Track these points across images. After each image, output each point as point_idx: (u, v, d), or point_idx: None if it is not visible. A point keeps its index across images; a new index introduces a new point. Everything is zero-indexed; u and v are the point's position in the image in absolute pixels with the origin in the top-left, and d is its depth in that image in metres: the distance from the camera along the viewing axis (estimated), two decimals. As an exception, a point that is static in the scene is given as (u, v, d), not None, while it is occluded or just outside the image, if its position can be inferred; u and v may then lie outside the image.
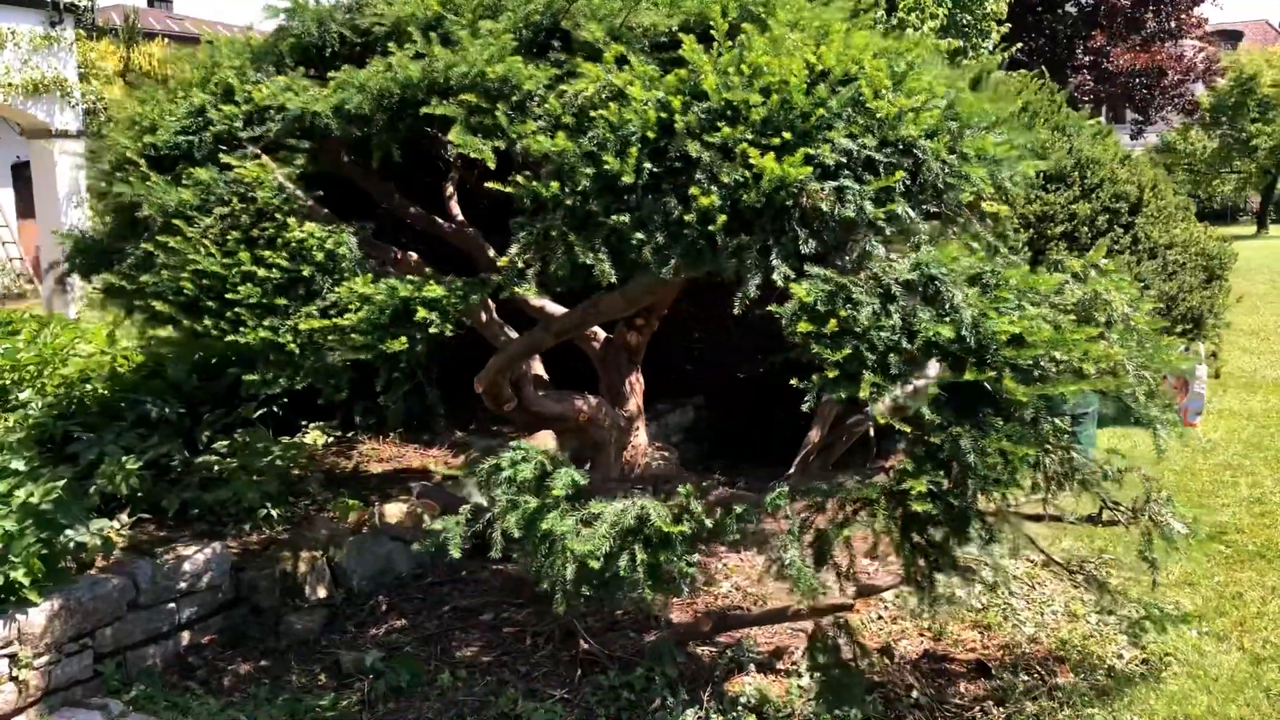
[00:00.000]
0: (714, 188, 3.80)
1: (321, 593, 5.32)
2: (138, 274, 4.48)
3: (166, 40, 19.11)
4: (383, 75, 4.43)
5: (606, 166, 3.86)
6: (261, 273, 4.26)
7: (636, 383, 6.39)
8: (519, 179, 3.98)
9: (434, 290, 4.13)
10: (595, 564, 3.60)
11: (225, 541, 5.24)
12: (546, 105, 4.17)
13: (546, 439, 7.23)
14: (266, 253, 4.31)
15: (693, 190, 3.79)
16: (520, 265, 3.97)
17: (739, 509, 3.73)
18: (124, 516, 5.42)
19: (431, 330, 4.12)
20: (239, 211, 4.42)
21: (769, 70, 3.96)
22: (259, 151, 4.63)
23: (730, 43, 4.12)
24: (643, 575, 3.66)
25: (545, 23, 4.70)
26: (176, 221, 4.37)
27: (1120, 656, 4.75)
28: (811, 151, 3.84)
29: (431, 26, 4.85)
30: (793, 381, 3.67)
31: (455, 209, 5.99)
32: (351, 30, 5.23)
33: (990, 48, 15.99)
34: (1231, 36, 48.95)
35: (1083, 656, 4.72)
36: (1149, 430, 4.13)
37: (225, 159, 4.56)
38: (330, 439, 7.28)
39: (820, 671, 4.26)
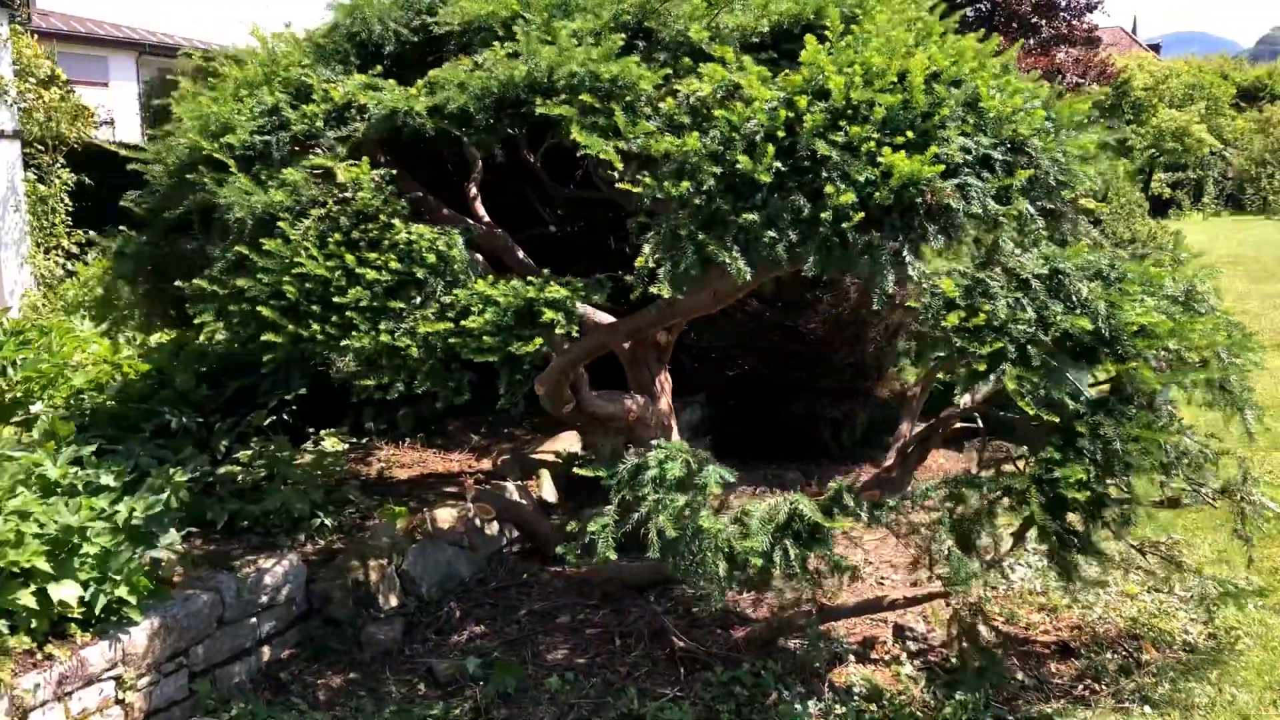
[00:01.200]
0: (847, 186, 3.87)
1: (393, 601, 5.24)
2: (229, 278, 4.35)
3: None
4: (483, 75, 4.39)
5: (738, 165, 3.91)
6: (370, 275, 4.21)
7: (665, 382, 6.45)
8: (645, 179, 4.01)
9: (556, 291, 4.14)
10: (757, 561, 3.65)
11: (292, 553, 5.11)
12: (662, 105, 4.19)
13: (571, 439, 7.26)
14: (371, 255, 4.25)
15: (828, 188, 3.87)
16: (652, 265, 3.97)
17: (891, 501, 3.82)
18: (174, 530, 5.25)
19: (558, 331, 4.11)
20: (336, 213, 4.34)
21: (889, 70, 4.05)
22: (345, 152, 4.54)
23: (842, 43, 4.20)
24: (798, 569, 3.72)
25: (632, 22, 4.71)
26: (281, 224, 4.26)
27: (1187, 632, 4.99)
28: (937, 150, 3.94)
29: (505, 26, 4.83)
30: (941, 374, 3.76)
31: (481, 209, 5.96)
32: (409, 29, 5.17)
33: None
34: (1092, 43, 51.07)
35: (1156, 634, 4.93)
36: (1234, 414, 4.33)
37: (317, 160, 4.47)
38: (345, 446, 7.13)
39: (961, 656, 4.37)
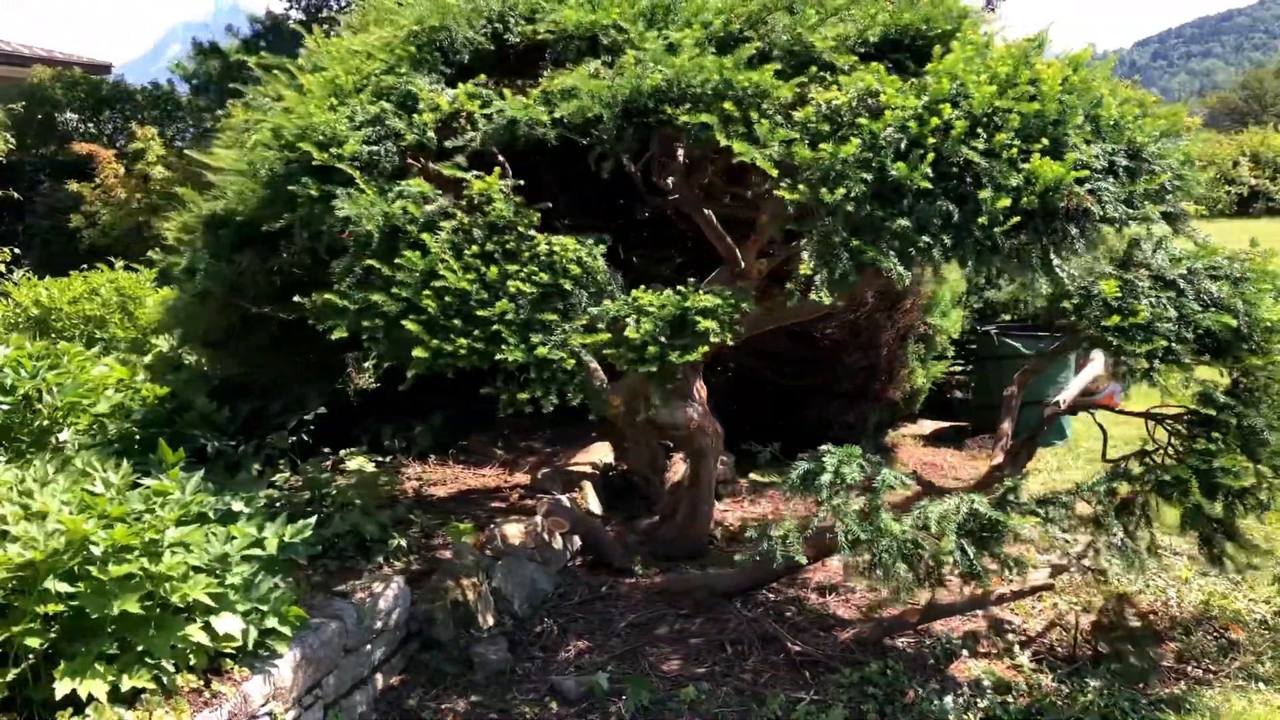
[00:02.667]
0: (999, 191, 4.02)
1: (491, 620, 5.17)
2: (359, 292, 4.24)
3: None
4: (605, 83, 4.40)
5: (891, 172, 4.02)
6: (515, 287, 4.16)
7: (702, 389, 6.51)
8: (800, 186, 4.07)
9: (707, 299, 4.17)
10: (948, 560, 3.75)
11: (396, 576, 4.98)
12: (793, 113, 4.27)
13: (602, 451, 7.26)
14: (511, 267, 4.20)
15: (981, 194, 4.01)
16: (810, 272, 4.04)
17: (1064, 498, 3.97)
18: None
19: (713, 339, 4.14)
20: (468, 225, 4.28)
21: (1021, 79, 4.22)
22: (465, 162, 4.48)
23: (969, 51, 4.35)
24: (978, 567, 3.83)
25: (739, 32, 4.78)
26: (412, 236, 4.17)
27: (1255, 613, 5.28)
28: (1074, 156, 4.12)
29: (597, 37, 4.85)
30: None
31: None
32: (486, 36, 5.13)
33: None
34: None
35: (1231, 615, 5.22)
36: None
37: (445, 170, 4.41)
38: (373, 466, 6.97)
39: (1111, 645, 4.55)
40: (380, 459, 7.24)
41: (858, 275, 4.10)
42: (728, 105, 4.24)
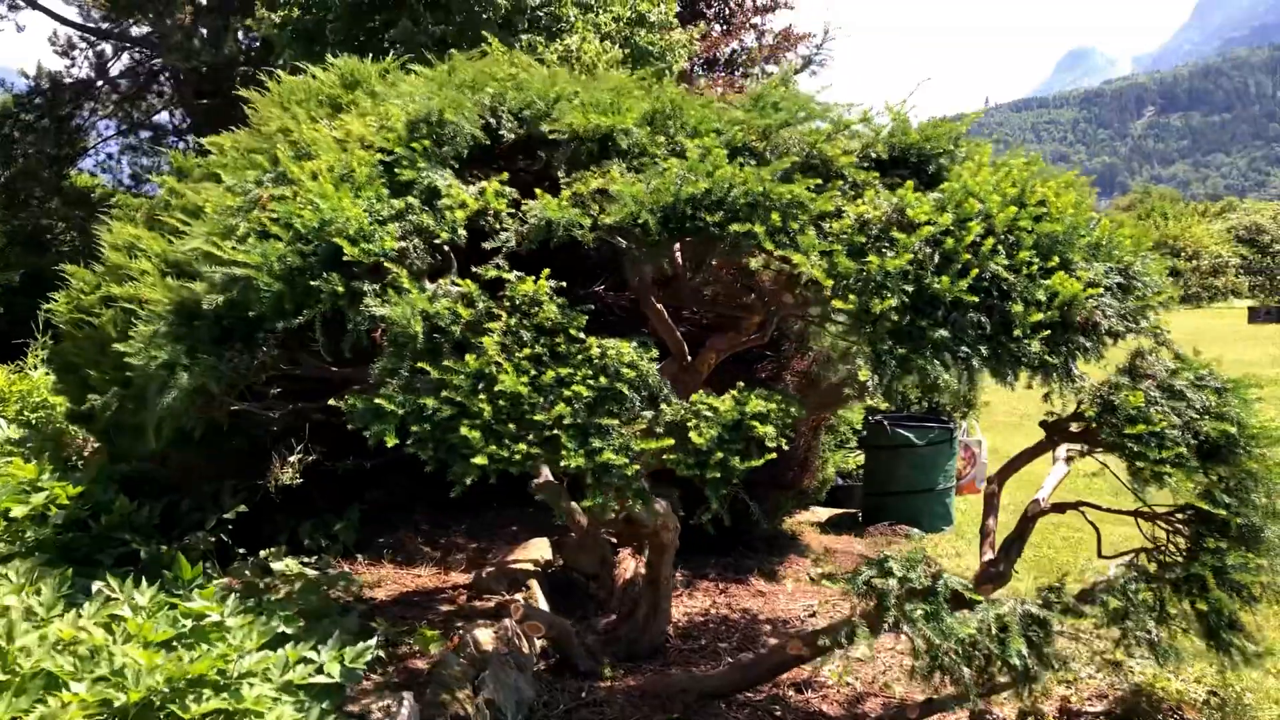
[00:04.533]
0: (1030, 306, 4.35)
1: (490, 734, 4.99)
2: (405, 395, 4.12)
3: None
4: (654, 189, 4.49)
5: (936, 285, 4.28)
6: (571, 390, 4.14)
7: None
8: (850, 296, 4.27)
9: (760, 404, 4.27)
10: (1016, 662, 3.96)
11: (405, 692, 4.76)
12: (835, 225, 4.49)
13: (540, 547, 7.18)
14: (564, 370, 4.20)
15: (1014, 308, 4.34)
16: (869, 381, 4.23)
17: (1112, 601, 4.26)
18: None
19: (768, 445, 4.24)
20: (517, 327, 4.25)
21: (1030, 199, 4.60)
22: (505, 263, 4.46)
23: (986, 172, 4.70)
24: (1034, 666, 4.06)
25: (750, 144, 4.99)
26: (474, 337, 4.12)
27: (1215, 694, 5.69)
28: (1085, 274, 4.52)
29: (610, 140, 4.98)
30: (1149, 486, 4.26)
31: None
32: (485, 132, 5.16)
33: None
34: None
35: (1177, 698, 5.64)
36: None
37: (488, 272, 4.38)
38: (300, 568, 6.63)
39: None
40: (305, 559, 6.88)
41: (901, 381, 4.32)
42: (775, 216, 4.40)
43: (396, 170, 4.72)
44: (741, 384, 4.45)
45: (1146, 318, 4.81)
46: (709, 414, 4.23)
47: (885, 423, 9.22)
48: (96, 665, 3.21)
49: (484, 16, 12.83)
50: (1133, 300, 4.72)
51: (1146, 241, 4.98)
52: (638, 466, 4.13)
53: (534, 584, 6.72)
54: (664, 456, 4.18)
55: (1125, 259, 4.83)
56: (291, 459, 6.88)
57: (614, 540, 7.06)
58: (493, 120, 5.25)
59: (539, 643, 6.14)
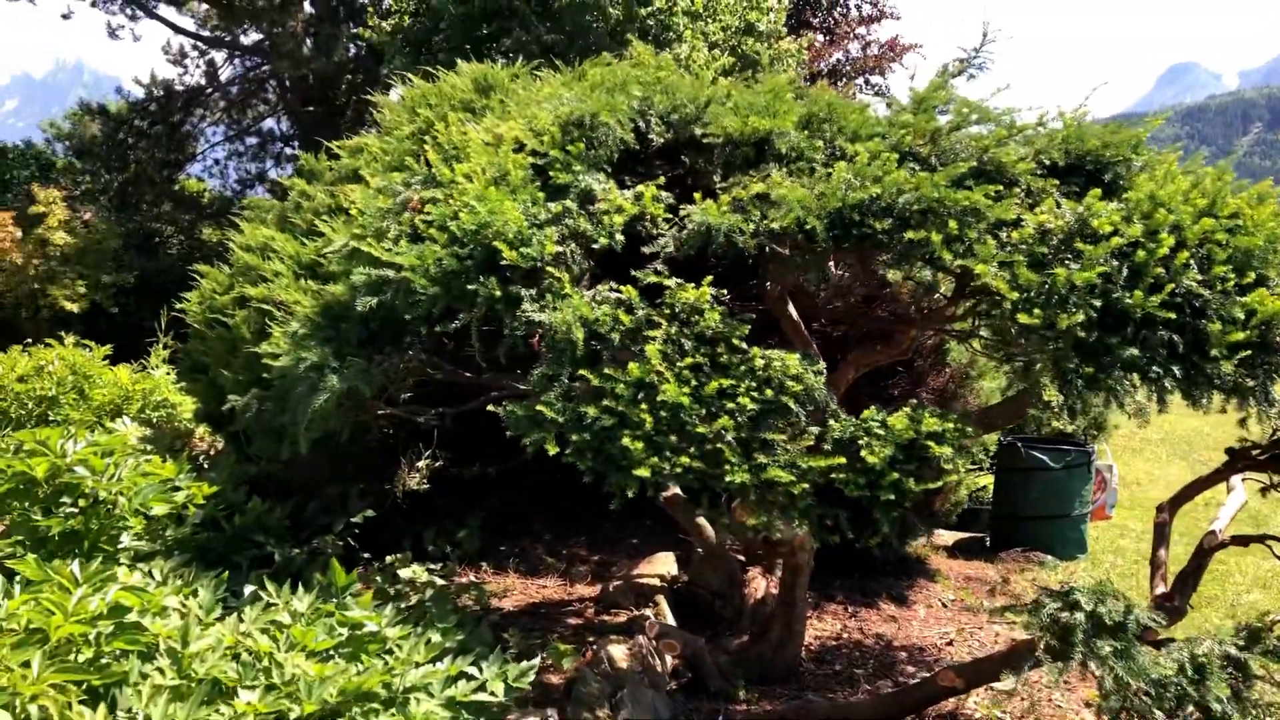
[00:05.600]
0: (1229, 325, 4.05)
1: (630, 756, 4.83)
2: (565, 403, 3.98)
3: None
4: (820, 194, 4.30)
5: (1127, 300, 4.01)
6: (735, 403, 3.96)
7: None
8: (1036, 310, 4.02)
9: (936, 423, 4.05)
10: (1215, 706, 3.67)
11: (551, 709, 4.63)
12: (1016, 234, 4.25)
13: (665, 561, 7.01)
14: (725, 381, 4.02)
15: (1212, 327, 4.04)
16: (1057, 403, 3.98)
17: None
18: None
19: (945, 467, 4.02)
20: (678, 336, 4.09)
21: (1222, 210, 4.30)
22: (665, 270, 4.30)
23: (1170, 183, 4.42)
24: (1232, 708, 3.76)
25: (914, 148, 4.77)
26: (636, 345, 3.97)
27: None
28: (1284, 290, 4.21)
29: (771, 141, 4.79)
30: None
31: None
32: (636, 136, 5.02)
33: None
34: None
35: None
36: None
37: (645, 276, 4.22)
38: (426, 575, 6.55)
39: None
40: (430, 565, 6.81)
41: (1086, 401, 4.06)
42: (952, 224, 4.18)
43: (550, 173, 4.61)
44: (913, 403, 4.23)
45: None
46: (881, 432, 4.03)
47: (1019, 445, 8.88)
48: (263, 673, 3.12)
49: (595, 26, 12.80)
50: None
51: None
52: (805, 485, 3.93)
53: (661, 600, 6.56)
54: (832, 475, 3.97)
55: (1321, 273, 4.50)
56: (420, 464, 6.83)
57: (742, 558, 6.86)
58: (641, 123, 5.12)
59: (670, 661, 5.97)
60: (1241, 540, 4.79)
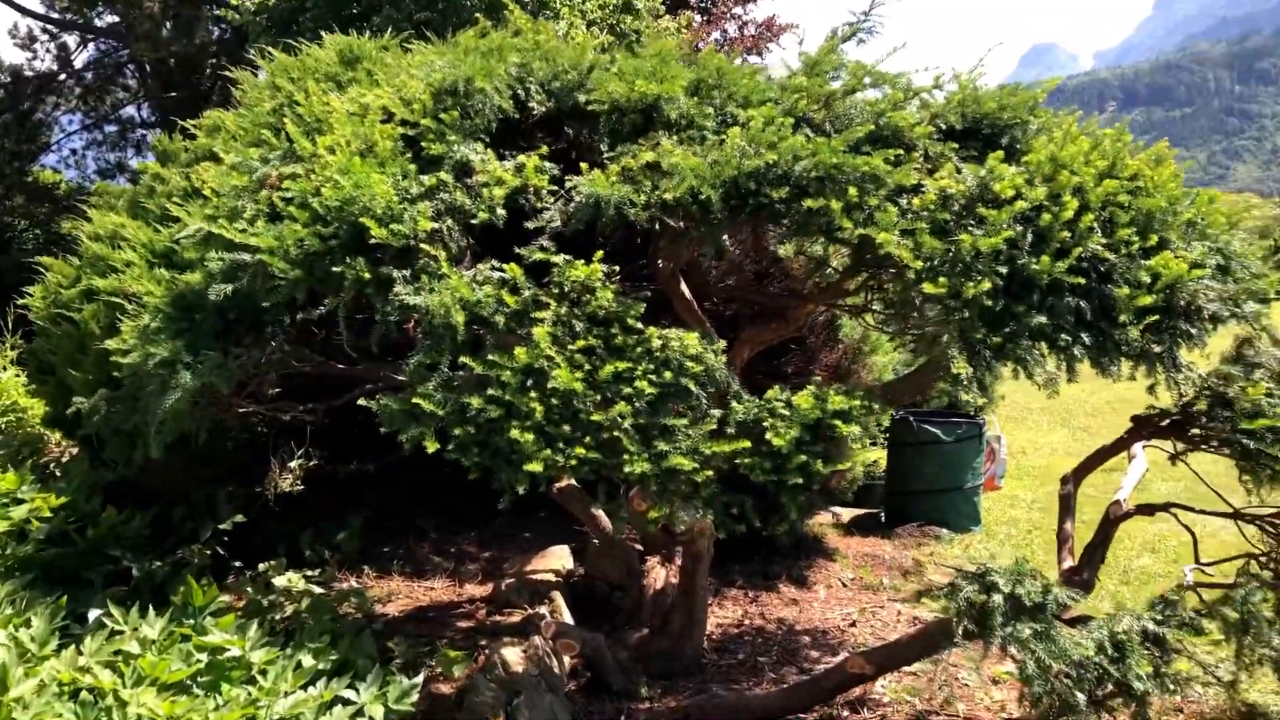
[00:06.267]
0: (1136, 289, 3.93)
1: (528, 767, 4.52)
2: (446, 394, 3.64)
3: None
4: (715, 163, 4.03)
5: (1034, 266, 3.85)
6: (634, 388, 3.67)
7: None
8: (941, 279, 3.82)
9: (842, 401, 3.81)
10: (1137, 685, 3.53)
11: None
12: (918, 201, 4.05)
13: (560, 556, 6.72)
14: (621, 364, 3.72)
15: (1119, 291, 3.91)
16: (966, 374, 3.79)
17: (1230, 613, 3.84)
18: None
19: (869, 454, 3.79)
20: (568, 317, 3.78)
21: (1122, 173, 4.18)
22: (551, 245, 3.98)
23: (1070, 144, 4.28)
24: (1152, 685, 3.64)
25: (808, 113, 4.53)
26: (531, 330, 3.64)
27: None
28: (1188, 254, 4.11)
29: (659, 108, 4.52)
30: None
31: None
32: (515, 105, 4.69)
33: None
34: None
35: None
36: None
37: (531, 253, 3.89)
38: (304, 582, 6.11)
39: None
40: (307, 572, 6.36)
41: (993, 373, 3.89)
42: (852, 191, 3.95)
43: (423, 144, 4.24)
44: (818, 380, 3.99)
45: (1246, 302, 4.40)
46: (786, 412, 3.78)
47: (912, 419, 8.79)
48: (104, 714, 2.72)
49: (469, 3, 12.34)
50: (1232, 283, 4.31)
51: (1246, 219, 4.57)
52: (709, 472, 3.66)
53: (557, 596, 6.25)
54: (737, 461, 3.71)
55: (1222, 238, 4.42)
56: (292, 464, 6.37)
57: (640, 547, 6.60)
58: (521, 91, 4.77)
59: (569, 661, 5.66)
60: (1147, 510, 4.69)
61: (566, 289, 3.88)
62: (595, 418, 3.65)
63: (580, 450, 3.59)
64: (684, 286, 5.25)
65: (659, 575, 6.31)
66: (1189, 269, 4.02)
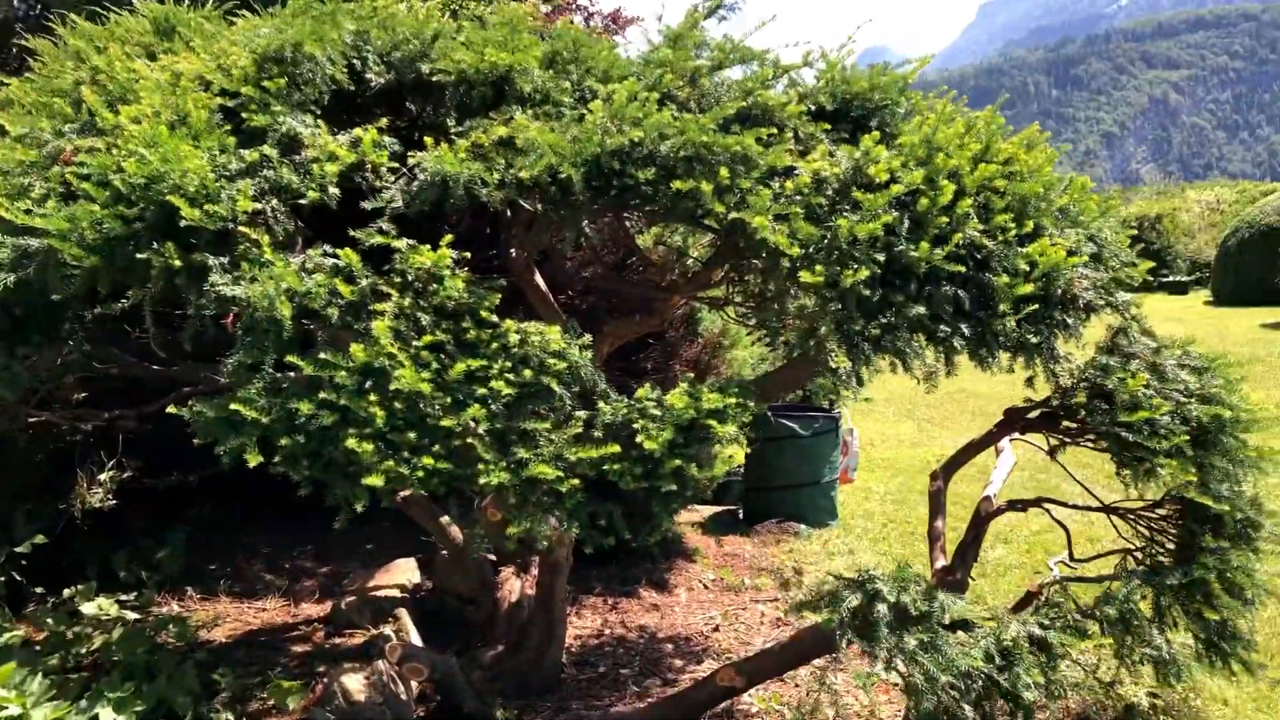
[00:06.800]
0: (1016, 277, 3.77)
1: (374, 810, 4.09)
2: (271, 399, 3.19)
3: None
4: (574, 140, 3.68)
5: (912, 253, 3.65)
6: (490, 388, 3.30)
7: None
8: (819, 268, 3.57)
9: (716, 398, 3.52)
10: (1027, 695, 3.35)
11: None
12: (790, 184, 3.79)
13: (405, 570, 6.28)
14: (474, 362, 3.34)
15: (999, 280, 3.75)
16: (844, 366, 3.55)
17: (1109, 611, 3.69)
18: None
19: (728, 450, 3.51)
20: (413, 309, 3.38)
21: (995, 157, 4.04)
22: (391, 229, 3.56)
23: (946, 126, 4.10)
24: (1041, 694, 3.47)
25: (673, 90, 4.24)
26: (370, 324, 3.22)
27: (1155, 695, 5.24)
28: (1065, 241, 3.99)
29: (512, 80, 4.16)
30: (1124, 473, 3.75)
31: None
32: (350, 76, 4.26)
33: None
34: None
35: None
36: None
37: (369, 236, 3.47)
38: (117, 609, 5.50)
39: None
40: (122, 597, 5.73)
41: (871, 366, 3.66)
42: (723, 172, 3.66)
43: (244, 116, 3.74)
44: (690, 376, 3.68)
45: (1118, 291, 4.30)
46: (658, 412, 3.45)
47: (770, 413, 8.62)
48: None
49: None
50: (1105, 271, 4.20)
51: (1116, 207, 4.48)
52: (575, 481, 3.31)
53: (403, 613, 5.79)
54: (605, 467, 3.37)
55: (1094, 225, 4.31)
56: (102, 476, 5.72)
57: (493, 557, 6.19)
58: (357, 61, 4.31)
59: (416, 685, 5.23)
60: (1019, 505, 4.56)
61: (410, 278, 3.46)
62: (445, 423, 3.25)
63: (428, 460, 3.19)
64: (539, 278, 4.88)
65: (514, 587, 5.92)
66: (1066, 256, 3.88)
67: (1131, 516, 4.30)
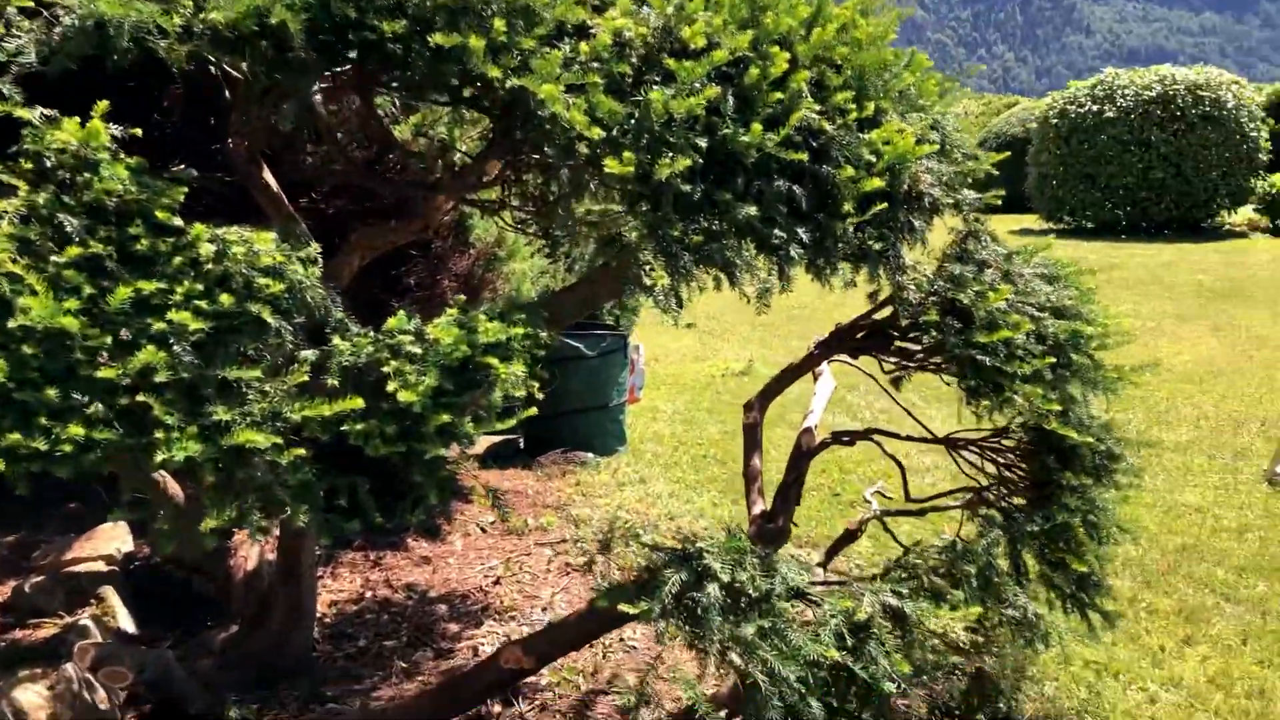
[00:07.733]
0: (862, 170, 3.09)
1: None
2: None
3: None
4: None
5: (742, 138, 2.90)
6: (166, 322, 2.33)
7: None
8: (626, 154, 2.75)
9: (499, 328, 2.67)
10: (889, 687, 2.73)
11: None
12: (585, 46, 2.95)
13: (113, 535, 5.18)
14: (149, 285, 2.37)
15: (843, 172, 3.05)
16: (665, 282, 2.78)
17: (969, 569, 3.11)
18: None
19: (515, 392, 2.68)
20: (53, 209, 2.36)
21: (831, 21, 3.33)
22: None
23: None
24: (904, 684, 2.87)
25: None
26: (7, 233, 2.20)
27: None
28: (909, 127, 3.35)
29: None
30: (983, 405, 3.18)
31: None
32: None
33: None
34: None
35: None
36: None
37: (-18, 104, 2.41)
38: None
39: None
40: None
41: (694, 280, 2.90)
42: (498, 25, 2.75)
43: None
44: (460, 299, 2.79)
45: (963, 189, 3.69)
46: (417, 350, 2.55)
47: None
48: None
49: None
50: (949, 165, 3.57)
51: (954, 89, 3.85)
52: (300, 450, 2.39)
53: (109, 593, 4.71)
54: (344, 427, 2.46)
55: (935, 110, 3.66)
56: None
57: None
58: None
59: (124, 689, 4.20)
60: (846, 438, 3.95)
61: (49, 164, 2.40)
62: (104, 374, 2.25)
63: (77, 430, 2.20)
64: (268, 175, 3.83)
65: (251, 553, 4.92)
66: (915, 144, 3.21)
67: (974, 447, 3.75)
